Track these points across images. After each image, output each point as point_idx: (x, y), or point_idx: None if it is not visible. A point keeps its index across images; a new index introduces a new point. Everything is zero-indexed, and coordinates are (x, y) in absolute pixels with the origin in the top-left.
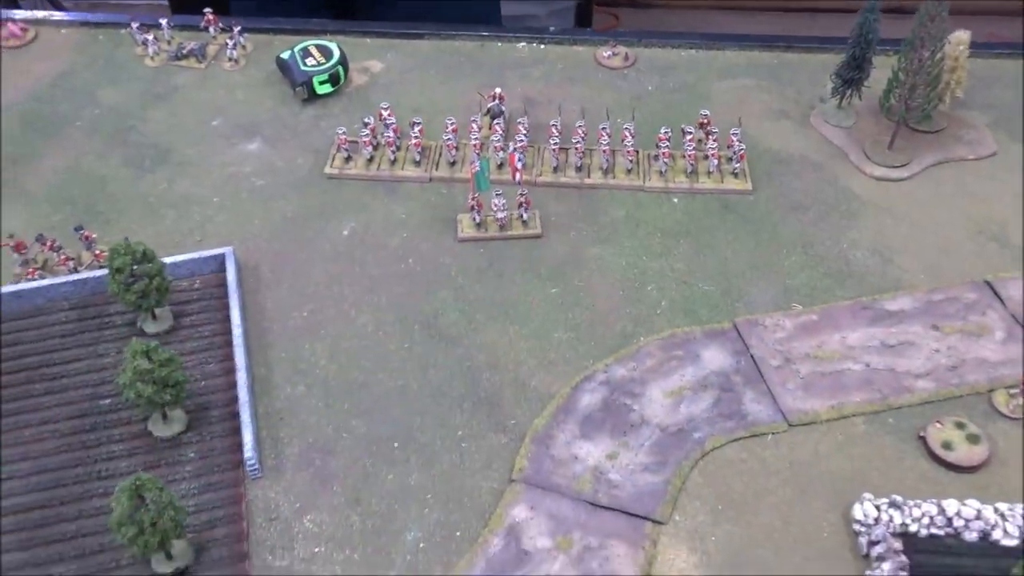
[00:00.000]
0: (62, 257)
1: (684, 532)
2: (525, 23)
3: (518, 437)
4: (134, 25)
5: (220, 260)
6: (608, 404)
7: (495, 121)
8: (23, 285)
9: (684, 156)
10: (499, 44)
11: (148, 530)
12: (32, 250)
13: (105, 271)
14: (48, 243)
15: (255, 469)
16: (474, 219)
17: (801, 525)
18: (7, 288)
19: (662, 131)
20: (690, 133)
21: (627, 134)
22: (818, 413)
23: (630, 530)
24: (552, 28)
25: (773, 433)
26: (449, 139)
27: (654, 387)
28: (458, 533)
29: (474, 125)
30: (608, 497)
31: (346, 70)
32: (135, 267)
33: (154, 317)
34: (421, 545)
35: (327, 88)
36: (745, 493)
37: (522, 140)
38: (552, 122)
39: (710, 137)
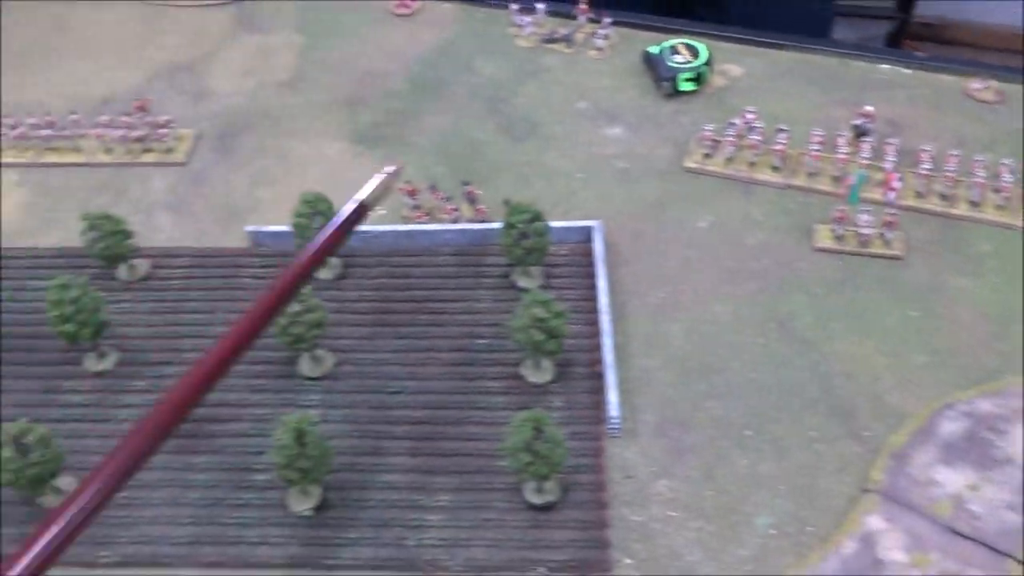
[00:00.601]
0: (449, 207)
1: None
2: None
3: (873, 449)
4: (513, 6)
5: (587, 231)
6: (971, 435)
7: (862, 139)
8: (413, 227)
9: None
10: (861, 63)
11: (539, 461)
12: (422, 197)
13: (485, 225)
14: (438, 193)
15: (616, 428)
16: (834, 231)
17: None
18: (402, 227)
19: None
20: None
21: (1004, 170)
22: None
23: (993, 564)
24: (920, 53)
25: None
26: (814, 150)
27: (1022, 428)
28: (809, 528)
29: (841, 140)
30: (969, 527)
31: (710, 71)
32: (527, 226)
33: (527, 275)
34: (772, 532)
35: (690, 86)
36: None
37: (892, 160)
38: (923, 147)
39: None
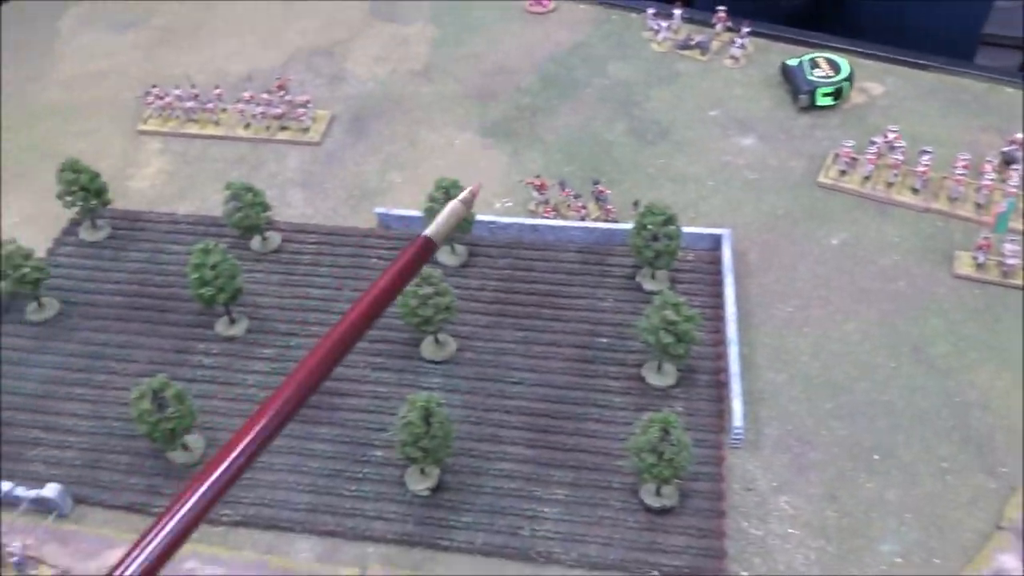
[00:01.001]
0: (577, 204)
1: None
2: None
3: (1008, 485)
4: (650, 11)
5: (715, 239)
6: None
7: (1011, 166)
8: (540, 221)
9: None
10: (1009, 90)
11: (663, 463)
12: (551, 192)
13: (612, 225)
14: (567, 191)
15: (738, 439)
16: (976, 259)
17: None
18: (527, 220)
19: None
20: None
21: None
22: None
23: None
24: None
25: None
26: (958, 174)
27: None
28: (936, 560)
29: (988, 166)
30: None
31: (850, 87)
32: (659, 228)
33: (653, 277)
34: (897, 560)
35: (828, 101)
36: None
37: None
38: None
39: None
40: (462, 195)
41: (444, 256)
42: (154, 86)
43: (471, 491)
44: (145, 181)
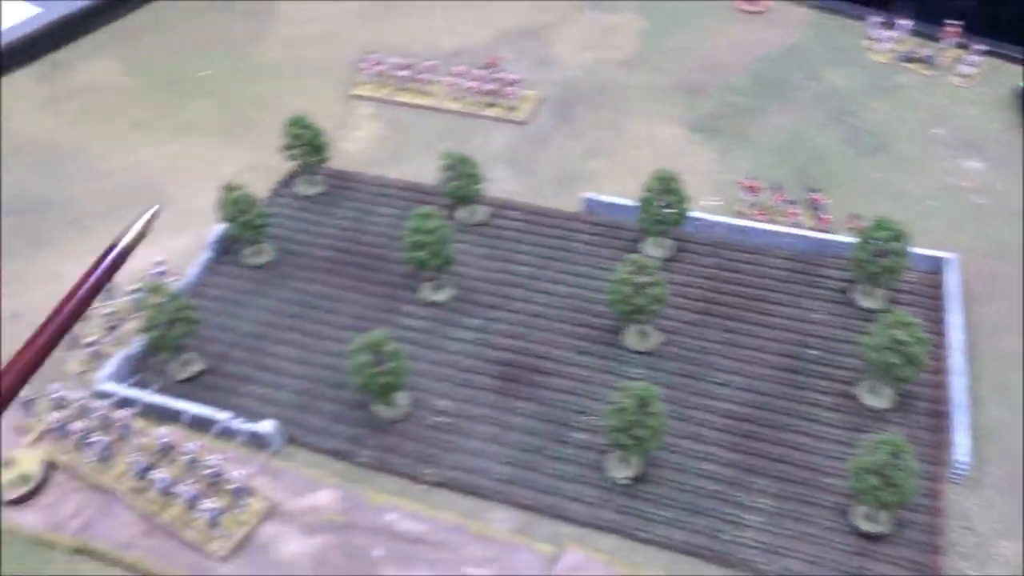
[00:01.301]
0: (790, 211)
1: None
2: None
3: None
4: (873, 19)
5: (936, 262)
6: None
7: None
8: (748, 223)
9: None
10: None
11: (888, 488)
12: (763, 195)
13: (826, 235)
14: (781, 195)
15: (960, 474)
16: None
17: None
18: (735, 221)
19: None
20: None
21: None
22: None
23: None
24: None
25: None
26: None
27: None
28: None
29: None
30: None
31: None
32: (887, 244)
33: (870, 294)
34: None
35: None
36: None
37: None
38: None
39: None
40: (148, 212)
41: (651, 248)
42: (371, 52)
43: (672, 486)
44: (356, 144)
